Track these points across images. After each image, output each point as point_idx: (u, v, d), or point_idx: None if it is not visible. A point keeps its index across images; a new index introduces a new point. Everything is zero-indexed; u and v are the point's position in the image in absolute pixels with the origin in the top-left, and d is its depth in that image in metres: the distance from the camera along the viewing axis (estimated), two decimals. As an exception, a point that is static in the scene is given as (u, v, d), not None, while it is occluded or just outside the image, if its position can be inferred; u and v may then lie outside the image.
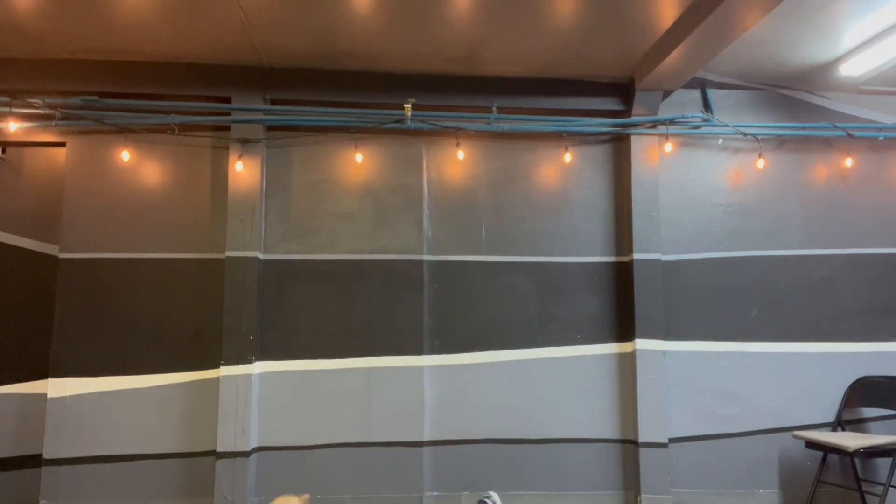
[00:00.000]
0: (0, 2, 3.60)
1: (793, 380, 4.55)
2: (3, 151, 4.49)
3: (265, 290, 4.41)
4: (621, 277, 4.57)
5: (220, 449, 4.16)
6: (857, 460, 4.42)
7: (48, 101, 4.23)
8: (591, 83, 4.58)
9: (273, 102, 4.47)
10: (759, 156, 4.63)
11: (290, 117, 4.46)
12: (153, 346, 4.34)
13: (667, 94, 4.54)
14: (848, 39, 4.05)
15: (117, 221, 4.41)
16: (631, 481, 4.41)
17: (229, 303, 4.26)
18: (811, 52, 4.22)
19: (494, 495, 3.58)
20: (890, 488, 3.98)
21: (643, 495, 4.29)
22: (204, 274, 4.39)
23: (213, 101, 4.43)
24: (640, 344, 4.40)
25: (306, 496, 2.78)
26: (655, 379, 4.38)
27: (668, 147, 4.56)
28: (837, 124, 4.64)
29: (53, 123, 4.28)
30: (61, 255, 4.35)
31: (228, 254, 4.31)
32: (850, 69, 4.32)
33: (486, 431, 4.44)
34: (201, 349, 4.34)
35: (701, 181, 4.69)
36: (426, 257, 4.52)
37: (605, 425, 4.48)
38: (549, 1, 3.59)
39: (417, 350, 4.43)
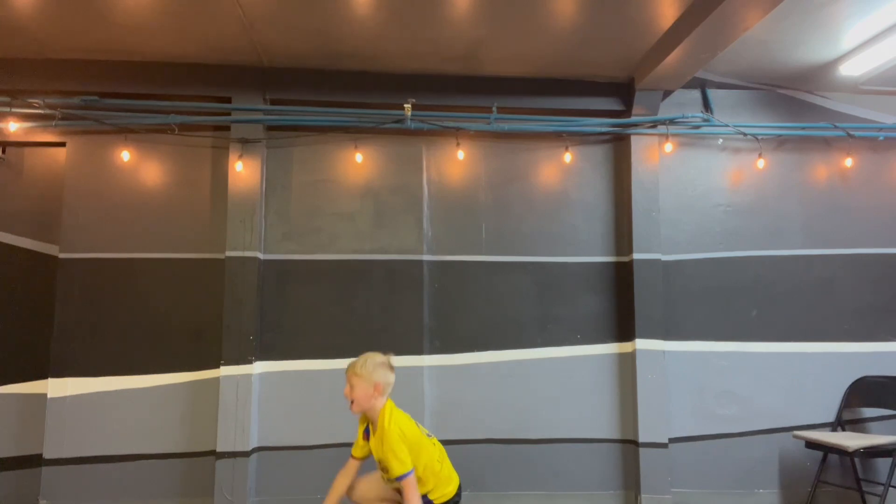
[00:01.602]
0: (0, 2, 3.60)
1: (793, 380, 4.55)
2: (3, 151, 4.48)
3: (265, 290, 4.41)
4: (621, 277, 4.57)
5: (220, 449, 4.16)
6: (857, 460, 4.42)
7: (48, 101, 4.23)
8: (591, 83, 4.58)
9: (273, 102, 4.47)
10: (759, 156, 4.63)
11: (290, 117, 4.46)
12: (153, 346, 4.33)
13: (667, 94, 4.53)
14: (848, 39, 4.05)
15: (117, 221, 4.41)
16: (631, 481, 4.41)
17: (229, 303, 4.26)
18: (811, 52, 4.22)
19: None
20: (890, 488, 3.98)
21: (643, 495, 4.29)
22: (204, 274, 4.39)
23: (213, 101, 4.43)
24: (640, 344, 4.40)
25: (391, 354, 3.02)
26: (655, 379, 4.38)
27: (668, 147, 4.56)
28: (837, 124, 4.64)
29: (53, 123, 4.27)
30: (61, 255, 4.35)
31: (228, 254, 4.31)
32: (850, 69, 4.32)
33: (486, 431, 4.44)
34: (201, 349, 4.33)
35: (701, 181, 4.69)
36: (426, 257, 4.52)
37: (605, 425, 4.48)
38: (549, 1, 3.59)
39: (417, 350, 4.43)
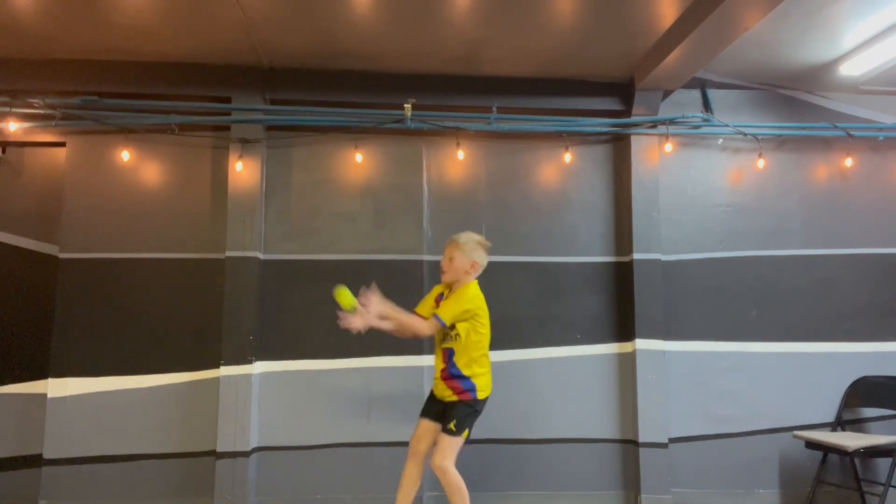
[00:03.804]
0: (0, 2, 3.60)
1: (793, 380, 4.55)
2: (3, 151, 4.48)
3: (265, 290, 4.41)
4: (621, 277, 4.57)
5: (220, 449, 4.15)
6: (857, 460, 4.41)
7: (48, 101, 4.22)
8: (591, 83, 4.58)
9: (273, 102, 4.47)
10: (759, 156, 4.63)
11: (290, 117, 4.46)
12: (153, 346, 4.33)
13: (667, 94, 4.53)
14: (848, 39, 4.05)
15: (117, 221, 4.41)
16: (631, 481, 4.41)
17: (229, 303, 4.26)
18: (811, 52, 4.22)
19: None
20: (890, 488, 3.98)
21: (643, 495, 4.29)
22: (204, 274, 4.39)
23: (213, 101, 4.43)
24: (640, 344, 4.39)
25: (488, 244, 3.28)
26: (655, 379, 4.38)
27: (668, 147, 4.56)
28: (837, 124, 4.64)
29: (53, 123, 4.27)
30: (61, 255, 4.35)
31: (228, 254, 4.30)
32: (850, 69, 4.32)
33: (486, 431, 4.43)
34: (201, 349, 4.33)
35: (701, 181, 4.68)
36: (426, 257, 4.52)
37: (605, 425, 4.48)
38: (549, 1, 3.59)
39: (417, 350, 4.43)
